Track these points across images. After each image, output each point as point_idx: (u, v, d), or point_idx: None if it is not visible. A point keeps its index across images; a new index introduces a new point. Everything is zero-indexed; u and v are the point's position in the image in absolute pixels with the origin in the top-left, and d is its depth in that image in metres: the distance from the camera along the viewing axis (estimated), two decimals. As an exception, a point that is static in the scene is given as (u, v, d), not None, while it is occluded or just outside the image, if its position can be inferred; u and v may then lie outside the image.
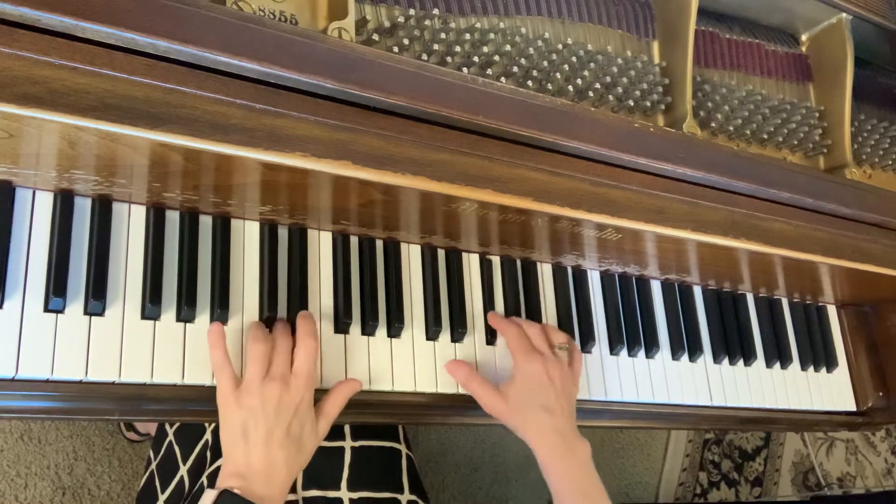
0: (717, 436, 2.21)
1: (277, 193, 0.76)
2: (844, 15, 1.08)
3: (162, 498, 0.92)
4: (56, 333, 0.71)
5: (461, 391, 0.89)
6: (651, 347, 1.05)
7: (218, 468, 0.80)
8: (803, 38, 1.14)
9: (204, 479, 0.87)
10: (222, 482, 0.71)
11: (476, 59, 0.83)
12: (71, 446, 1.41)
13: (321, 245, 0.86)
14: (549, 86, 0.88)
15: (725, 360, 1.12)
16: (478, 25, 0.84)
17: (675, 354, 1.08)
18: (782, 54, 1.11)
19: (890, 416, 1.26)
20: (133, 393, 0.74)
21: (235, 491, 0.69)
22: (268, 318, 0.81)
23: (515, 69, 0.86)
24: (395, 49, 0.79)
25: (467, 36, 0.83)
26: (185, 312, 0.76)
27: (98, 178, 0.71)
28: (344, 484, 0.89)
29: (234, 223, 0.82)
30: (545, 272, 1.01)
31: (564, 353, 0.90)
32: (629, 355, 1.04)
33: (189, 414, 0.79)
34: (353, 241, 0.88)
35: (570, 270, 1.03)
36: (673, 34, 0.97)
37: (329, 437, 0.91)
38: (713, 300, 1.15)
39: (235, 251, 0.81)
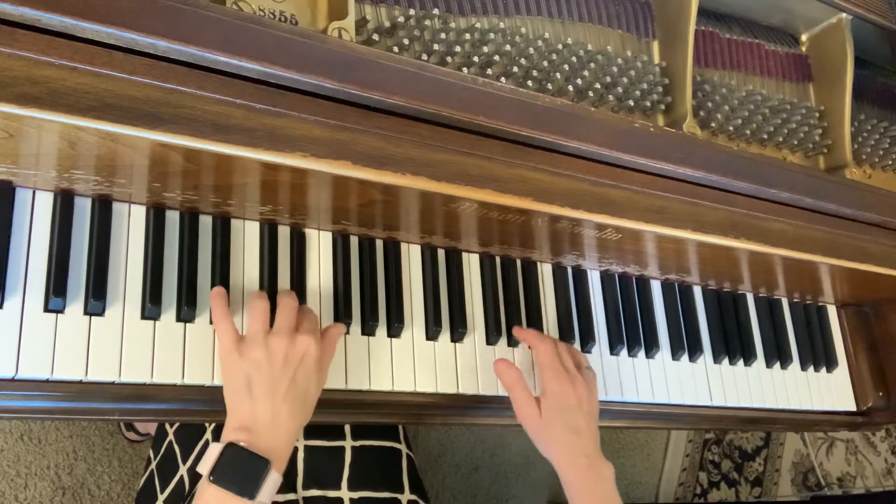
0: (717, 436, 2.21)
1: (277, 193, 0.76)
2: (844, 15, 1.08)
3: (162, 498, 0.92)
4: (56, 333, 0.71)
5: (461, 391, 0.90)
6: (651, 347, 1.05)
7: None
8: (803, 38, 1.14)
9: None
10: (227, 435, 0.69)
11: (476, 59, 0.83)
12: (71, 446, 1.41)
13: (321, 245, 0.86)
14: (549, 86, 0.88)
15: (725, 360, 1.12)
16: (478, 25, 0.84)
17: (675, 354, 1.08)
18: (782, 54, 1.11)
19: (890, 416, 1.26)
20: (133, 393, 0.74)
21: (241, 444, 0.68)
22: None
23: (515, 69, 0.86)
24: (395, 49, 0.79)
25: (467, 36, 0.83)
26: (185, 312, 0.76)
27: (98, 178, 0.71)
28: (344, 484, 0.89)
29: (234, 223, 0.82)
30: (545, 272, 1.01)
31: (589, 373, 0.91)
32: (629, 355, 1.04)
33: (189, 414, 0.79)
34: (353, 241, 0.88)
35: (570, 270, 1.03)
36: (673, 34, 0.97)
37: (329, 437, 0.91)
38: (713, 300, 1.15)
39: (235, 251, 0.81)
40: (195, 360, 0.76)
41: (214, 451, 0.68)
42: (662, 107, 0.96)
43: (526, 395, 0.87)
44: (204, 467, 0.67)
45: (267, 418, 0.70)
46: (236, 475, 0.67)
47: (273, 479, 0.68)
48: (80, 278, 0.73)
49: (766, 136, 1.06)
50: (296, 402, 0.72)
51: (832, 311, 1.28)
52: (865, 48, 1.13)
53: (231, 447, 0.67)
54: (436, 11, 0.83)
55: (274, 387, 0.70)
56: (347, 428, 0.93)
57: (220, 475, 0.66)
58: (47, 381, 0.70)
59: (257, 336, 0.73)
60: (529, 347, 0.94)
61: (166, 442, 0.96)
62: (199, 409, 0.77)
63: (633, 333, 1.05)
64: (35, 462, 1.38)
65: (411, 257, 0.92)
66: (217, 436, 0.76)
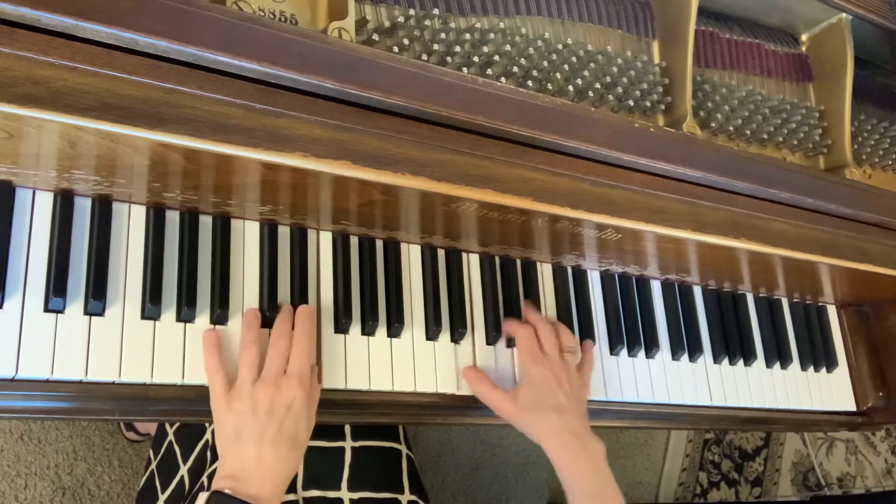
0: (717, 436, 2.21)
1: (277, 193, 0.76)
2: (844, 15, 1.08)
3: (162, 498, 0.92)
4: (56, 333, 0.71)
5: (461, 391, 0.90)
6: (651, 347, 1.05)
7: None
8: (803, 38, 1.14)
9: (204, 478, 0.87)
10: (216, 484, 0.71)
11: (476, 59, 0.83)
12: (71, 446, 1.41)
13: (321, 245, 0.86)
14: (549, 86, 0.88)
15: (725, 360, 1.12)
16: (478, 25, 0.84)
17: (675, 354, 1.08)
18: (782, 54, 1.11)
19: (890, 416, 1.26)
20: (133, 393, 0.74)
21: (226, 491, 0.69)
22: (270, 318, 0.80)
23: (515, 69, 0.86)
24: (395, 49, 0.79)
25: (467, 36, 0.83)
26: (185, 312, 0.76)
27: (98, 178, 0.71)
28: (344, 484, 0.89)
29: (234, 223, 0.82)
30: (545, 272, 1.01)
31: (573, 356, 0.90)
32: (629, 355, 1.04)
33: (189, 414, 0.79)
34: (353, 240, 0.88)
35: (570, 270, 1.03)
36: (673, 34, 0.97)
37: (329, 437, 0.91)
38: (713, 300, 1.15)
39: (235, 251, 0.81)
40: (195, 360, 0.76)
41: (202, 499, 0.70)
42: (662, 107, 0.96)
43: (490, 389, 0.87)
44: None
45: (253, 465, 0.71)
46: None
47: None
48: (80, 278, 0.73)
49: (766, 136, 1.06)
50: (283, 448, 0.73)
51: (832, 311, 1.28)
52: (865, 48, 1.13)
53: (217, 495, 0.69)
54: (436, 11, 0.83)
55: (261, 436, 0.72)
56: (347, 428, 0.93)
57: None
58: (47, 381, 0.70)
59: (244, 386, 0.74)
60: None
61: (166, 442, 0.96)
62: (199, 409, 0.77)
63: (633, 333, 1.05)
64: (35, 462, 1.38)
65: (411, 257, 0.92)
66: (216, 445, 0.76)
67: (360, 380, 0.84)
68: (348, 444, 0.92)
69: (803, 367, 1.20)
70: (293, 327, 0.79)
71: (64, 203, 0.73)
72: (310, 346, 0.78)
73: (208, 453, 0.89)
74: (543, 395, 0.85)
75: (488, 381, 0.89)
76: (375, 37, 0.78)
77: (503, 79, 0.85)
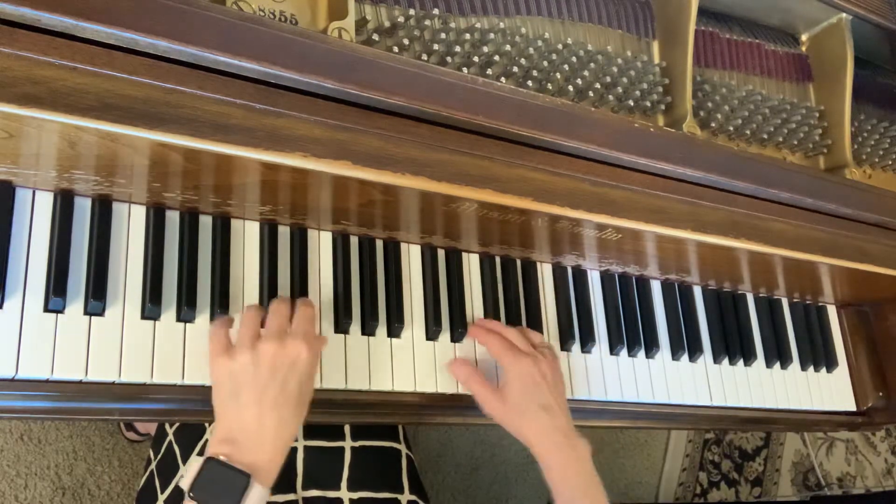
0: (717, 436, 2.21)
1: (277, 193, 0.76)
2: (844, 15, 1.08)
3: (162, 498, 0.92)
4: (56, 333, 0.71)
5: (461, 391, 0.89)
6: (651, 347, 1.05)
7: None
8: (803, 38, 1.14)
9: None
10: (211, 448, 0.68)
11: (476, 59, 0.83)
12: (71, 446, 1.41)
13: (321, 245, 0.86)
14: (549, 86, 0.88)
15: (725, 360, 1.12)
16: (478, 25, 0.84)
17: (675, 354, 1.08)
18: (782, 54, 1.11)
19: (890, 416, 1.26)
20: (133, 393, 0.74)
21: (221, 458, 0.65)
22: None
23: (515, 69, 0.86)
24: (395, 49, 0.79)
25: (467, 36, 0.83)
26: (185, 312, 0.76)
27: (98, 178, 0.71)
28: (344, 484, 0.89)
29: (234, 223, 0.82)
30: (545, 272, 1.01)
31: (547, 350, 0.90)
32: (629, 355, 1.04)
33: (189, 414, 0.79)
34: (353, 240, 0.88)
35: (570, 270, 1.03)
36: (673, 34, 0.97)
37: (329, 437, 0.91)
38: (713, 300, 1.15)
39: (235, 251, 0.81)
40: (195, 360, 0.76)
41: (195, 466, 0.66)
42: (662, 107, 0.96)
43: (485, 387, 0.86)
44: (185, 482, 0.66)
45: (253, 428, 0.68)
46: (216, 491, 0.65)
47: (257, 493, 0.66)
48: (80, 278, 0.73)
49: (766, 136, 1.06)
50: (285, 410, 0.69)
51: (832, 311, 1.28)
52: (865, 48, 1.13)
53: (211, 462, 0.66)
54: (436, 11, 0.83)
55: (262, 393, 0.68)
56: (347, 428, 0.93)
57: (200, 491, 0.65)
58: (47, 381, 0.70)
59: (246, 340, 0.71)
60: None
61: (166, 442, 0.96)
62: (199, 409, 0.77)
63: (632, 333, 1.05)
64: (35, 462, 1.38)
65: (411, 257, 0.92)
66: None
67: (360, 380, 0.84)
68: (348, 444, 0.92)
69: (803, 367, 1.20)
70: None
71: (64, 203, 0.73)
72: (313, 311, 0.76)
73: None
74: (531, 392, 0.84)
75: (480, 377, 0.87)
76: (375, 37, 0.78)
77: (503, 79, 0.85)
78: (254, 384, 0.69)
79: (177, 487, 0.91)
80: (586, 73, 0.91)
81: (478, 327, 0.92)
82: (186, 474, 0.67)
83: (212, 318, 0.78)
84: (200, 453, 0.90)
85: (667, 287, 1.10)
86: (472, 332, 0.92)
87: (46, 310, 0.71)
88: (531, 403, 0.84)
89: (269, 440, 0.68)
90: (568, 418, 0.85)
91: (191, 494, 0.65)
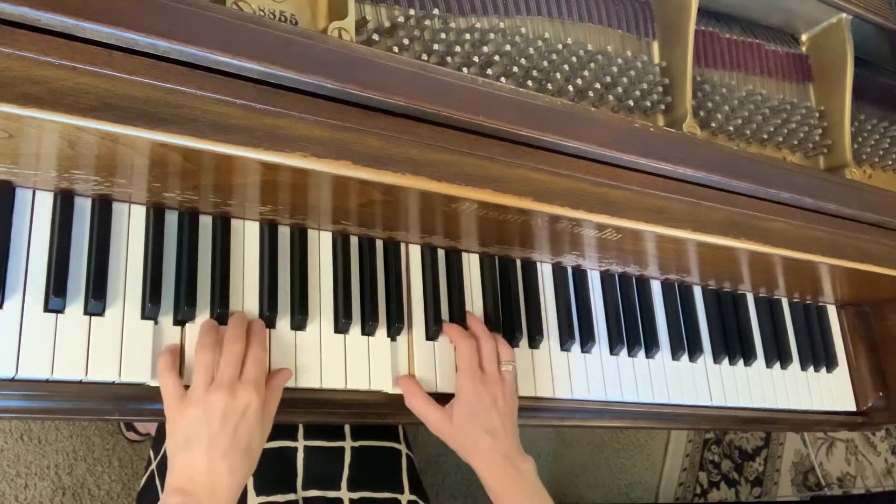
0: (717, 436, 2.21)
1: (277, 193, 0.76)
2: (844, 15, 1.08)
3: (162, 498, 0.92)
4: (56, 333, 0.71)
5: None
6: (651, 347, 1.05)
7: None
8: (803, 38, 1.14)
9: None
10: (165, 498, 0.69)
11: (476, 59, 0.83)
12: (71, 446, 1.41)
13: (321, 245, 0.86)
14: (549, 86, 0.88)
15: (725, 360, 1.12)
16: (478, 25, 0.84)
17: (675, 354, 1.08)
18: (782, 54, 1.11)
19: (890, 416, 1.26)
20: (133, 393, 0.74)
21: None
22: (268, 318, 0.80)
23: (515, 69, 0.86)
24: (395, 49, 0.79)
25: (467, 36, 0.83)
26: (186, 312, 0.76)
27: (98, 178, 0.71)
28: (344, 484, 0.89)
29: (234, 223, 0.82)
30: (545, 272, 1.01)
31: (510, 368, 0.88)
32: (629, 355, 1.04)
33: (189, 414, 0.79)
34: (353, 241, 0.88)
35: (570, 270, 1.03)
36: (673, 34, 0.97)
37: (329, 438, 0.92)
38: (713, 300, 1.15)
39: (235, 251, 0.81)
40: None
41: None
42: (662, 107, 0.96)
43: (428, 405, 0.85)
44: None
45: (205, 478, 0.69)
46: None
47: None
48: (80, 278, 0.73)
49: (766, 136, 1.06)
50: (236, 457, 0.70)
51: (832, 311, 1.28)
52: (865, 48, 1.13)
53: None
54: (436, 11, 0.83)
55: (212, 444, 0.69)
56: (347, 428, 0.93)
57: None
58: (47, 381, 0.70)
59: (197, 390, 0.72)
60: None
61: (166, 442, 0.96)
62: (199, 409, 0.77)
63: (633, 333, 1.05)
64: (35, 462, 1.38)
65: (411, 257, 0.92)
66: None
67: (360, 380, 0.84)
68: (348, 444, 0.92)
69: (803, 367, 1.20)
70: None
71: (64, 203, 0.73)
72: (264, 353, 0.76)
73: None
74: (478, 415, 0.83)
75: (424, 395, 0.85)
76: (375, 37, 0.78)
77: (503, 79, 0.85)
78: (204, 435, 0.70)
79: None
80: (586, 73, 0.91)
81: (451, 327, 0.90)
82: None
83: (212, 317, 0.78)
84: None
85: (667, 287, 1.10)
86: (447, 331, 0.90)
87: (46, 310, 0.71)
88: (475, 425, 0.82)
89: (221, 488, 0.69)
90: (514, 440, 0.84)
91: None
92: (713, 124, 1.00)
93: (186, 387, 0.74)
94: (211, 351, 0.74)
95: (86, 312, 0.73)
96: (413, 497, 0.94)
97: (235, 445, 0.70)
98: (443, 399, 0.86)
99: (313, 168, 0.68)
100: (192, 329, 0.77)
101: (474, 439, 0.82)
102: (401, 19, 0.80)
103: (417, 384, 0.86)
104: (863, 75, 1.15)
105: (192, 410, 0.71)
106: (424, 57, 0.81)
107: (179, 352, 0.75)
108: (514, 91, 0.77)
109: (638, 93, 0.94)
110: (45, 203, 0.73)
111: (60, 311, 0.71)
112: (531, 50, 0.88)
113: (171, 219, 0.79)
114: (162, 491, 0.92)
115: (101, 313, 0.73)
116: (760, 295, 1.20)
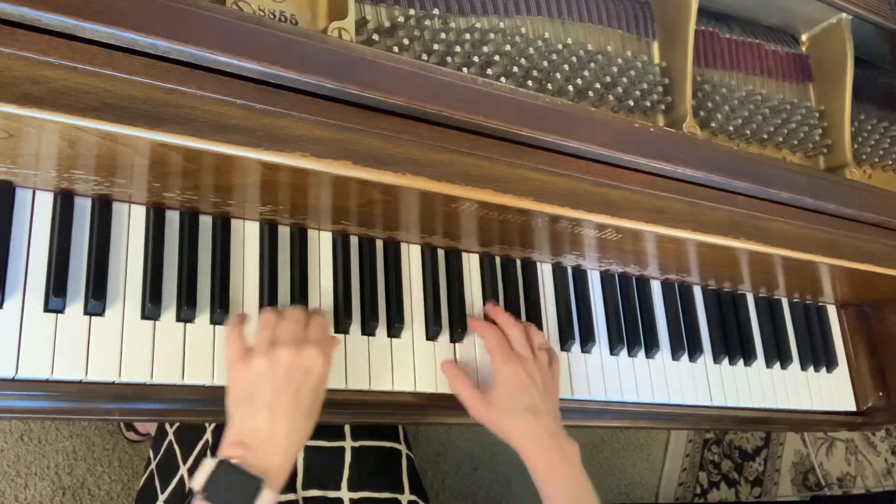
0: (717, 436, 2.21)
1: (277, 193, 0.77)
2: (844, 15, 1.08)
3: (162, 498, 0.92)
4: (56, 333, 0.71)
5: (461, 391, 0.89)
6: (651, 347, 1.05)
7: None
8: (803, 38, 1.14)
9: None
10: (224, 450, 0.68)
11: (476, 59, 0.83)
12: (71, 446, 1.41)
13: (321, 245, 0.86)
14: (549, 86, 0.88)
15: (725, 360, 1.12)
16: (478, 25, 0.84)
17: (675, 354, 1.08)
18: (782, 54, 1.11)
19: (890, 416, 1.26)
20: (133, 393, 0.74)
21: (234, 461, 0.65)
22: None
23: (515, 69, 0.86)
24: (395, 49, 0.79)
25: (467, 36, 0.83)
26: (186, 312, 0.76)
27: (98, 178, 0.71)
28: (344, 484, 0.89)
29: (234, 223, 0.82)
30: (545, 272, 1.01)
31: (545, 353, 0.89)
32: (629, 355, 1.04)
33: (189, 414, 0.79)
34: (353, 240, 0.88)
35: (570, 270, 1.03)
36: (673, 34, 0.97)
37: (329, 437, 0.91)
38: (713, 300, 1.15)
39: (235, 251, 0.81)
40: (195, 360, 0.76)
41: (208, 466, 0.66)
42: (662, 107, 0.96)
43: (469, 389, 0.85)
44: (197, 482, 0.66)
45: (265, 433, 0.68)
46: (228, 494, 0.65)
47: (267, 498, 0.66)
48: (80, 278, 0.73)
49: (766, 136, 1.06)
50: (297, 417, 0.70)
51: (832, 311, 1.28)
52: (865, 48, 1.13)
53: (225, 464, 0.66)
54: (436, 11, 0.83)
55: (275, 399, 0.69)
56: (347, 428, 0.93)
57: (213, 493, 0.65)
58: (47, 381, 0.70)
59: (263, 345, 0.71)
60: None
61: (166, 442, 0.96)
62: (199, 409, 0.77)
63: (633, 333, 1.05)
64: (35, 462, 1.38)
65: (411, 257, 0.92)
66: (217, 438, 0.75)
67: (360, 380, 0.84)
68: (348, 443, 0.92)
69: (803, 367, 1.20)
70: None
71: (64, 203, 0.73)
72: (326, 320, 0.76)
73: (208, 453, 0.89)
74: (518, 395, 0.83)
75: (465, 379, 0.86)
76: (375, 37, 0.78)
77: (503, 79, 0.85)
78: (268, 390, 0.69)
79: (177, 487, 0.91)
80: (586, 73, 0.91)
81: (477, 320, 0.91)
82: (198, 474, 0.67)
83: (212, 317, 0.78)
84: (201, 453, 0.90)
85: (667, 287, 1.10)
86: (473, 325, 0.91)
87: (46, 310, 0.71)
88: (516, 406, 0.82)
89: (280, 446, 0.68)
90: (557, 420, 0.84)
91: (203, 495, 0.65)
92: (713, 124, 1.00)
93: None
94: (273, 311, 0.74)
95: (86, 312, 0.73)
96: (413, 497, 0.94)
97: (298, 405, 0.70)
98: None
99: (313, 168, 0.68)
100: (193, 329, 0.77)
101: (517, 420, 0.82)
102: (401, 19, 0.80)
103: (459, 369, 0.87)
104: (863, 75, 1.15)
105: (257, 363, 0.70)
106: (424, 57, 0.81)
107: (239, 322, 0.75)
108: (514, 91, 0.77)
109: (638, 93, 0.94)
110: (45, 203, 0.73)
111: (60, 311, 0.71)
112: (531, 50, 0.88)
113: (171, 218, 0.79)
114: (161, 491, 0.92)
115: (101, 313, 0.73)
116: (760, 295, 1.20)
